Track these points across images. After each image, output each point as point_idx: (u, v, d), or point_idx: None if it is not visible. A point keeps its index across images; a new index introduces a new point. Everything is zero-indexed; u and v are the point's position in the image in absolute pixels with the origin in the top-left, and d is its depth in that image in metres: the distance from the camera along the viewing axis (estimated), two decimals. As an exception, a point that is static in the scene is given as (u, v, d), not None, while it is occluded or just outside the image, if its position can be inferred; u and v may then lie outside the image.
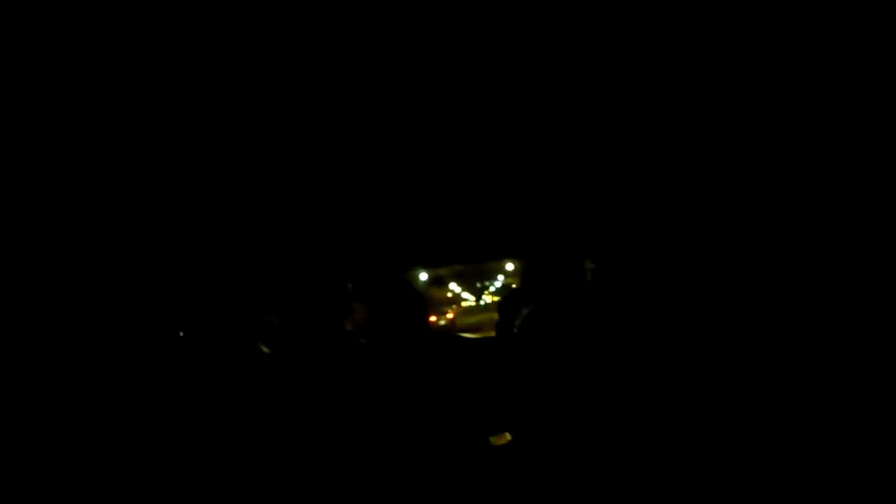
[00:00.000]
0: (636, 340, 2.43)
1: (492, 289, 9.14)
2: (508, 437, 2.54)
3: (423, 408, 2.56)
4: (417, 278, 6.70)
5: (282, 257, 3.69)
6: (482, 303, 9.35)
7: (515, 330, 2.71)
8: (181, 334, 3.09)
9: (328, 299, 3.06)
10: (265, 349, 3.08)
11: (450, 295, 8.42)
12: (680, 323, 2.53)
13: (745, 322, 2.49)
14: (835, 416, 2.31)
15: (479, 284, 8.97)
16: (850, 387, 2.30)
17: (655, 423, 2.32)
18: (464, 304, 9.07)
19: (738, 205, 2.72)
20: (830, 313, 2.46)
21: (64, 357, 2.90)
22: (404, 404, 2.60)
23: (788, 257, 2.59)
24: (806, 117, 2.80)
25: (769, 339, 2.47)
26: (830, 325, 2.44)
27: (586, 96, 3.17)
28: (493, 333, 2.75)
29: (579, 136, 3.26)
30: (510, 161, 3.70)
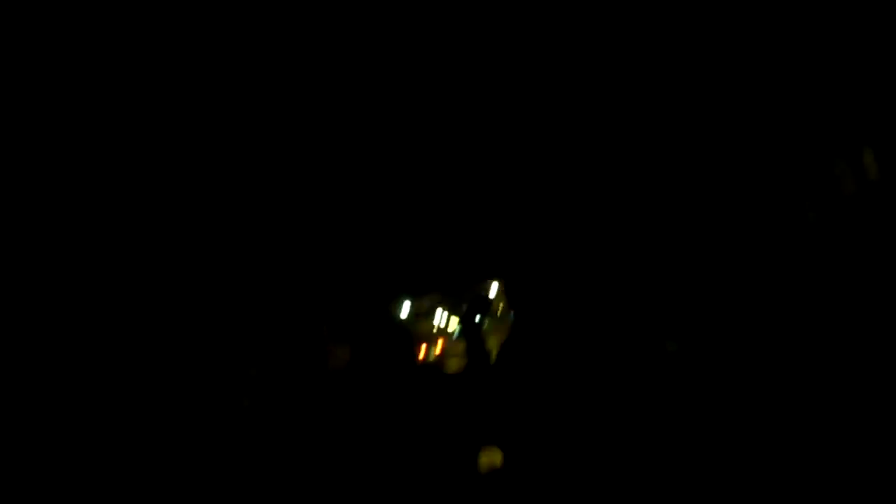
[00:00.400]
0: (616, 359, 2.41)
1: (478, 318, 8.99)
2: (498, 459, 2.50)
3: (413, 445, 2.50)
4: (400, 313, 6.55)
5: (257, 308, 3.59)
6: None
7: (494, 356, 2.63)
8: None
9: (306, 345, 3.00)
10: (246, 402, 3.00)
11: (435, 330, 8.27)
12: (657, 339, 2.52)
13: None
14: (832, 422, 2.32)
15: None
16: (847, 395, 2.32)
17: (638, 437, 2.31)
18: (451, 330, 8.92)
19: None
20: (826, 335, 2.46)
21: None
22: (393, 444, 2.52)
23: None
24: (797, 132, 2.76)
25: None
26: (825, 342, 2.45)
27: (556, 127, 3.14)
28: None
29: (555, 158, 3.24)
30: (482, 181, 3.64)
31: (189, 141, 3.30)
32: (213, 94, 3.04)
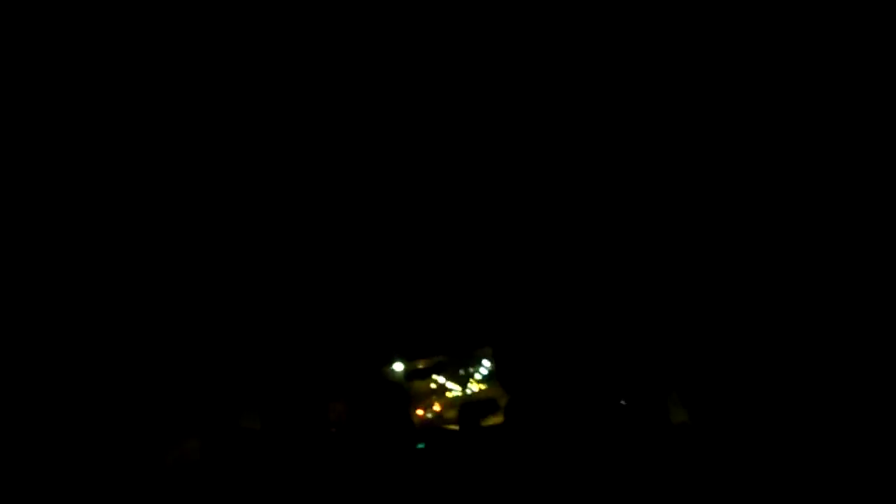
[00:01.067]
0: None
1: (477, 376, 8.97)
2: None
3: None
4: (395, 372, 6.59)
5: (257, 360, 3.59)
6: (468, 391, 9.16)
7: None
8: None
9: (307, 400, 2.98)
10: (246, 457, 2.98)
11: (434, 386, 8.25)
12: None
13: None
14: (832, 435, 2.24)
15: (462, 372, 8.81)
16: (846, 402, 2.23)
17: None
18: (449, 394, 8.87)
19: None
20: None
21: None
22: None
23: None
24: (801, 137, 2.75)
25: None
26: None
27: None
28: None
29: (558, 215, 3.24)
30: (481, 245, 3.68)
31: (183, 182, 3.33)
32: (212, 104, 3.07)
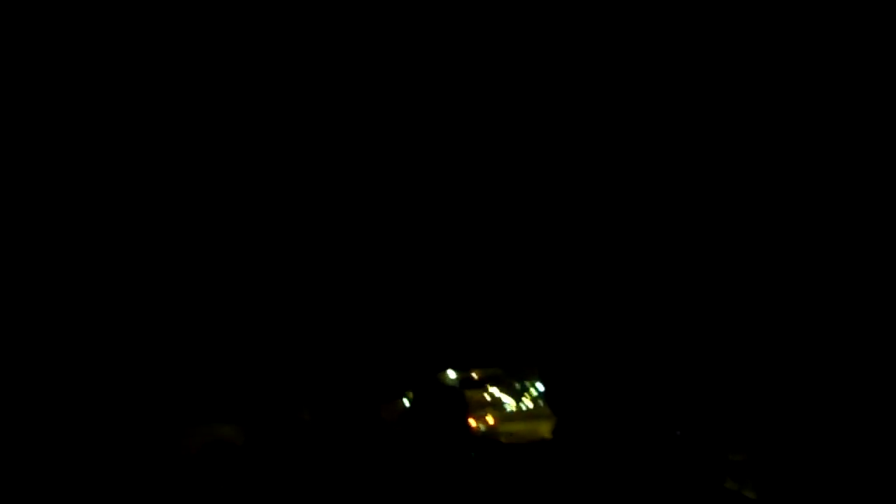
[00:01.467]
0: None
1: (533, 392, 8.68)
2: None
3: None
4: (449, 379, 6.39)
5: (313, 353, 3.49)
6: (523, 407, 8.88)
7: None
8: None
9: (359, 394, 2.88)
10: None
11: (488, 398, 8.01)
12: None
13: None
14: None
15: (518, 386, 8.54)
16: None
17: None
18: (503, 408, 8.62)
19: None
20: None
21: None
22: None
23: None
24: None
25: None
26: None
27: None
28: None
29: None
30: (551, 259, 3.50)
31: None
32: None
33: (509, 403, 8.75)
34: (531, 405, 8.68)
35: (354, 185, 3.20)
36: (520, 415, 8.60)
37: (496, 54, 2.79)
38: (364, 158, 3.09)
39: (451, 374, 5.99)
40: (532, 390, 8.60)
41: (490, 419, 7.54)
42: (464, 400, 2.89)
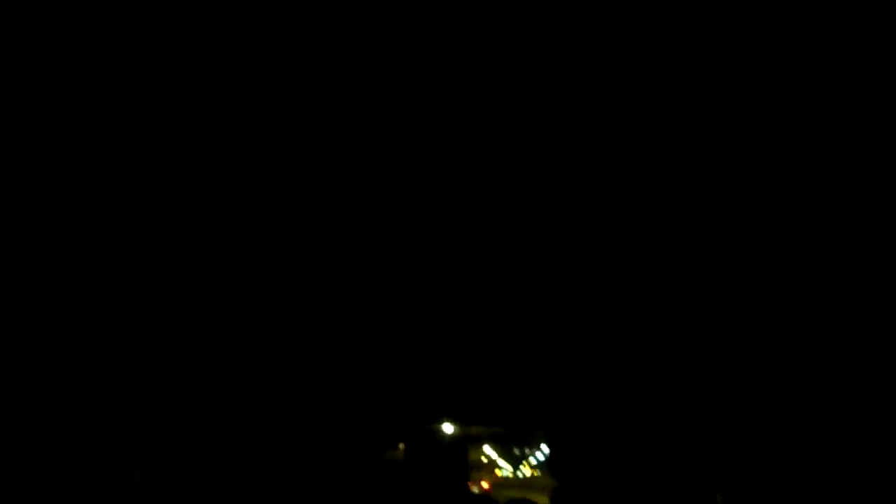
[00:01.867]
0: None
1: (532, 461, 8.28)
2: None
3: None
4: (445, 433, 6.02)
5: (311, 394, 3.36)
6: (520, 475, 8.46)
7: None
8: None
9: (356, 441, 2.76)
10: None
11: (484, 459, 7.64)
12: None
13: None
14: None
15: (517, 451, 8.15)
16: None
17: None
18: (498, 472, 8.21)
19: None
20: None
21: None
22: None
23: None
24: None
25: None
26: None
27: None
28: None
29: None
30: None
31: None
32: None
33: (505, 469, 8.33)
34: (528, 473, 8.26)
35: (351, 211, 3.10)
36: (516, 482, 8.18)
37: (496, 54, 2.71)
38: (361, 179, 2.99)
39: (449, 427, 5.64)
40: (532, 459, 8.18)
41: (485, 484, 7.18)
42: (465, 463, 2.69)
